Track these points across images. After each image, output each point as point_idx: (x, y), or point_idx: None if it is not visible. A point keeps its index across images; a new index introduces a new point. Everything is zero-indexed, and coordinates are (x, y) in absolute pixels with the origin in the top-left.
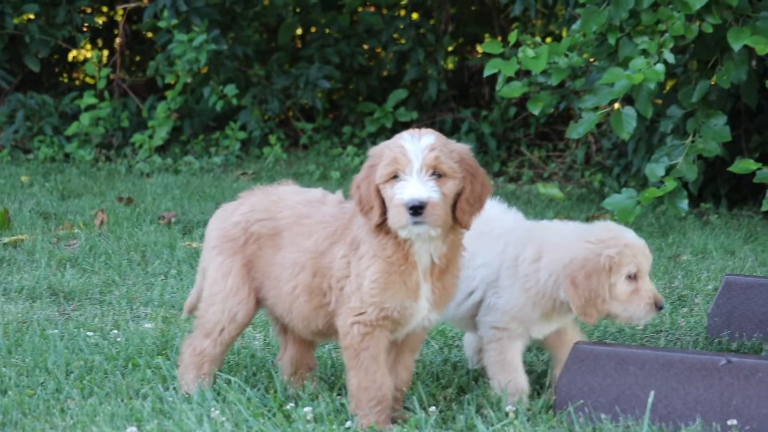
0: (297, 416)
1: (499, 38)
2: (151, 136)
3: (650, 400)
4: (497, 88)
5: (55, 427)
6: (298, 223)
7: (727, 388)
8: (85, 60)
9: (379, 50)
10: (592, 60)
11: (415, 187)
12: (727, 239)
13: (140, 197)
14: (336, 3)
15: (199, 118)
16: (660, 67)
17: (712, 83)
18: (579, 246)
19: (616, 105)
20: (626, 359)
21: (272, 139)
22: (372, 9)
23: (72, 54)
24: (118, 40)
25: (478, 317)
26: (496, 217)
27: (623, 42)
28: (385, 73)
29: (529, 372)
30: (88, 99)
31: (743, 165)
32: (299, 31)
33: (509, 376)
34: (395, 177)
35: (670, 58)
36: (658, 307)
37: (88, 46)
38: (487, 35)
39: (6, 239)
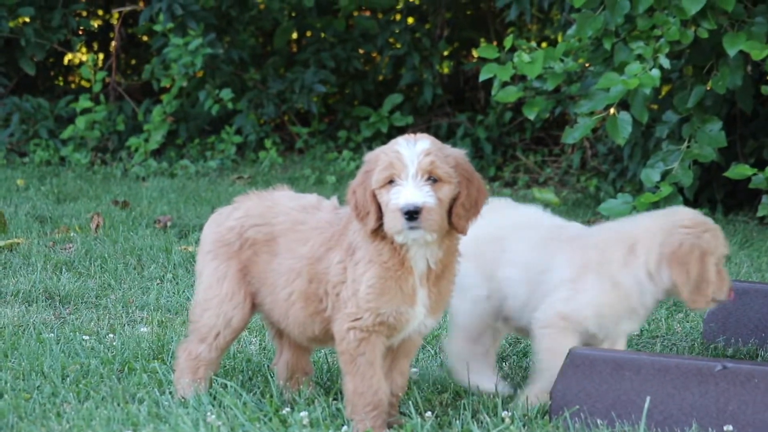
0: (293, 421)
1: (495, 43)
2: (146, 140)
3: (646, 405)
4: (493, 92)
5: (51, 431)
6: (293, 229)
7: (723, 393)
8: (81, 63)
9: (374, 55)
10: (587, 65)
11: (411, 191)
12: None
13: (136, 201)
14: (331, 7)
15: (194, 122)
16: (655, 72)
17: (708, 88)
18: (677, 233)
19: (612, 110)
20: (622, 364)
21: (268, 143)
22: (367, 13)
23: (67, 57)
24: (113, 43)
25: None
26: (560, 223)
27: (619, 47)
28: (380, 78)
29: (524, 377)
30: (84, 102)
31: (739, 170)
32: (295, 36)
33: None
34: (391, 182)
35: (665, 63)
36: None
37: (84, 50)
38: (482, 40)
39: (2, 243)
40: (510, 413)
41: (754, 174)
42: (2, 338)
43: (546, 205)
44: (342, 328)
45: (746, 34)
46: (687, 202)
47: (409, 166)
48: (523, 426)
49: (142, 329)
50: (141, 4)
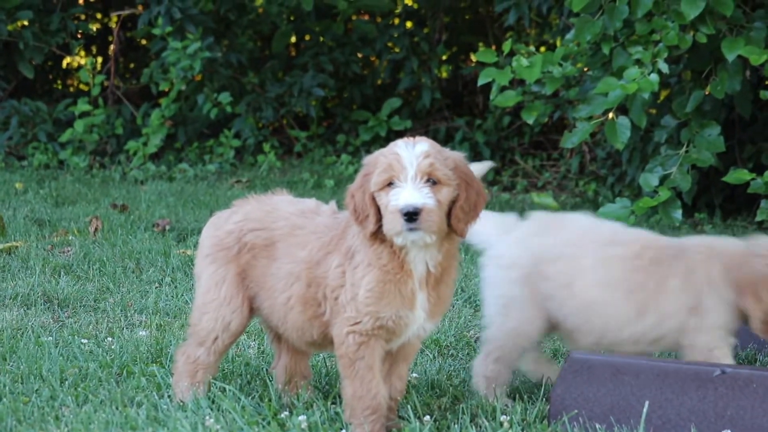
0: (291, 425)
1: (494, 47)
2: (145, 144)
3: (645, 410)
4: (491, 97)
5: None
6: (292, 233)
7: (721, 398)
8: (80, 67)
9: (373, 59)
10: (586, 69)
11: (410, 193)
12: None
13: (134, 204)
14: (330, 11)
15: (193, 125)
16: (654, 77)
17: (706, 93)
18: (753, 262)
19: (610, 115)
20: (621, 369)
21: (266, 147)
22: (366, 17)
23: (66, 61)
24: (112, 47)
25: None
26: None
27: (617, 52)
28: (379, 82)
29: (523, 381)
30: (82, 106)
31: (737, 175)
32: (293, 39)
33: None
34: (390, 184)
35: (664, 68)
36: None
37: (83, 53)
38: (481, 44)
39: (0, 246)
40: (508, 417)
41: (753, 179)
42: (1, 341)
43: (545, 209)
44: (341, 332)
45: (745, 39)
46: (685, 207)
47: (408, 168)
48: (522, 430)
49: (140, 333)
50: (140, 7)
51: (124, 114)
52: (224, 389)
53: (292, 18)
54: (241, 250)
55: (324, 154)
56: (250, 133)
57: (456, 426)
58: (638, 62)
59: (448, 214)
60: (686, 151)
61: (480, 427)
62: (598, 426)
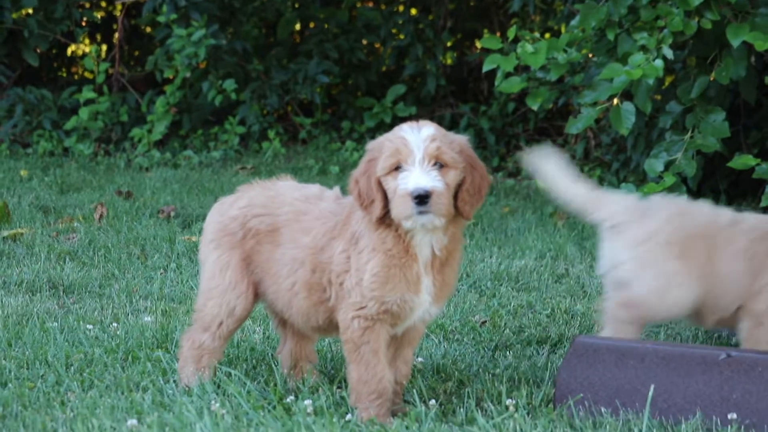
0: (297, 409)
1: (498, 34)
2: (150, 131)
3: (650, 394)
4: (496, 83)
5: (55, 420)
6: (296, 219)
7: (726, 382)
8: (84, 54)
9: (377, 45)
10: (591, 55)
11: (420, 176)
12: None
13: (139, 191)
14: None
15: (198, 112)
16: (659, 62)
17: (711, 79)
18: None
19: (615, 100)
20: (626, 353)
21: (271, 133)
22: (371, 4)
23: (71, 48)
24: (116, 34)
25: None
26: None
27: (622, 38)
28: (383, 69)
29: (529, 366)
30: (87, 93)
31: (742, 161)
32: (298, 26)
33: None
34: (397, 168)
35: (668, 53)
36: None
37: (87, 41)
38: (485, 30)
39: (6, 233)
40: (514, 401)
41: (758, 164)
42: (6, 327)
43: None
44: (346, 317)
45: (750, 25)
46: (690, 192)
47: (416, 151)
48: (527, 414)
49: (145, 318)
50: None
51: (129, 101)
52: (230, 374)
53: (296, 5)
54: (245, 235)
55: (329, 140)
56: (255, 120)
57: (461, 410)
58: (643, 48)
59: (455, 198)
60: (691, 137)
61: (486, 411)
62: (603, 410)
